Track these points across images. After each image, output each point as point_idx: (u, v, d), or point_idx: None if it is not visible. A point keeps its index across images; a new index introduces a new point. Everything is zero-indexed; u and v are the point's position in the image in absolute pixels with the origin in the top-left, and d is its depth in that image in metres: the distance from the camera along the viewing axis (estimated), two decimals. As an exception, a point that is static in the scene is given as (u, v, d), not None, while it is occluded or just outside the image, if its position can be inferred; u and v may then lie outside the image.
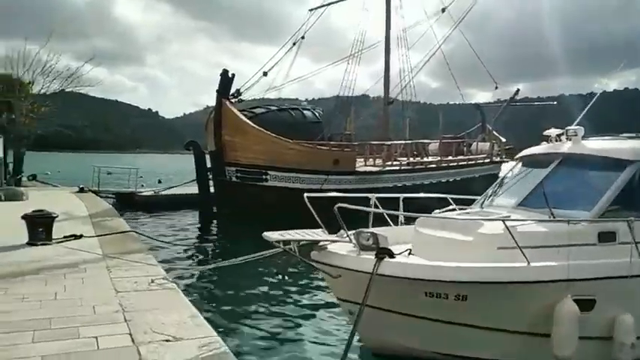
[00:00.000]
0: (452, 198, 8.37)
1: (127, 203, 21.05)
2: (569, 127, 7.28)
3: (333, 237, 6.01)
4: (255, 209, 16.58)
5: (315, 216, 6.62)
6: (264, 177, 18.32)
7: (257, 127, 18.22)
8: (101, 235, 10.04)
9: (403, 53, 25.75)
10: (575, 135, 7.05)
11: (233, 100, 19.06)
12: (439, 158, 24.38)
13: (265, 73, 20.67)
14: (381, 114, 27.88)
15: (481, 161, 26.94)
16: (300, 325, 7.52)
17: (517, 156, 8.07)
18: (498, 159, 29.04)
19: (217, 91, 18.31)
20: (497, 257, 5.53)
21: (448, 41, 30.14)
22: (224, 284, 9.46)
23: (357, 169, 19.89)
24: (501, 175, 8.13)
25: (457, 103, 28.30)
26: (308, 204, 6.43)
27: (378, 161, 22.78)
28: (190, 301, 6.11)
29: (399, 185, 21.19)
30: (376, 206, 7.37)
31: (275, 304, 8.51)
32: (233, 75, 18.73)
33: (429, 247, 5.92)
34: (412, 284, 5.22)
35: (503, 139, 30.07)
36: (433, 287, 5.24)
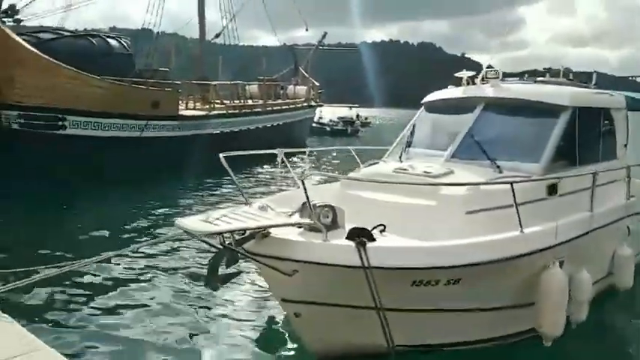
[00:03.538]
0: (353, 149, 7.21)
1: None
2: (488, 68, 6.63)
3: (285, 218, 4.18)
4: (50, 166, 12.76)
5: (237, 184, 4.73)
6: (60, 123, 14.26)
7: (46, 57, 13.88)
8: None
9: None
10: (497, 77, 6.44)
11: (6, 21, 14.13)
12: (262, 101, 22.98)
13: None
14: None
15: (300, 105, 26.59)
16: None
17: (423, 101, 7.18)
18: (314, 103, 29.24)
19: (-21, 5, 13.30)
20: (469, 225, 4.57)
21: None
22: (78, 297, 6.18)
23: (180, 113, 17.19)
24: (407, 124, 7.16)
25: (241, 44, 26.04)
26: (226, 166, 4.57)
27: (198, 104, 20.28)
28: (44, 340, 3.62)
29: (226, 131, 19.28)
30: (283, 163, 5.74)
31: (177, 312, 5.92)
32: (3, -16, 13.80)
33: (381, 216, 4.59)
34: (399, 274, 3.89)
35: (317, 83, 30.23)
36: (424, 274, 4.00)
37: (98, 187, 12.12)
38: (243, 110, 20.79)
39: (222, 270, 3.93)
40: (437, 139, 6.48)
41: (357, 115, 41.87)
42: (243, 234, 3.82)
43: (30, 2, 15.11)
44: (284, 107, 24.35)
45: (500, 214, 4.65)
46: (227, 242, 3.83)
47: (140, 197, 11.91)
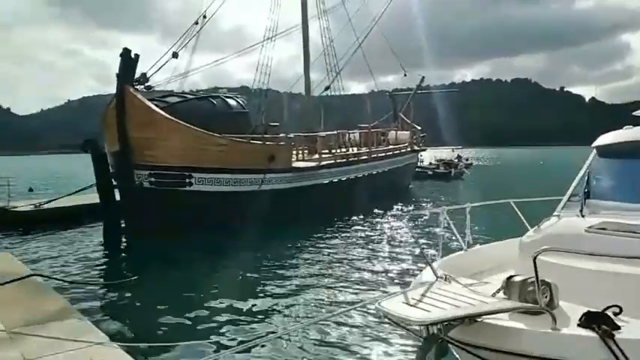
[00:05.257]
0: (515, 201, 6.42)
1: (-4, 223, 16.12)
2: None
3: (504, 302, 3.57)
4: (178, 221, 13.35)
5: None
6: (187, 180, 14.99)
7: (175, 119, 14.82)
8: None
9: (326, 35, 23.67)
10: None
11: (139, 88, 15.37)
12: (366, 149, 22.82)
13: (175, 54, 17.07)
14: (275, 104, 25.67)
15: (404, 150, 26.11)
16: None
17: (595, 144, 6.32)
18: (416, 147, 28.61)
19: (117, 75, 14.57)
20: None
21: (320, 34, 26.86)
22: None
23: (294, 166, 17.43)
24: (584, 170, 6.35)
25: (337, 94, 25.76)
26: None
27: (306, 154, 20.54)
28: None
29: (335, 181, 19.21)
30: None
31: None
32: (137, 56, 15.07)
33: (591, 289, 3.80)
34: None
35: (419, 127, 29.67)
36: None
37: (229, 243, 12.35)
38: (350, 159, 20.69)
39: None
40: (622, 188, 5.57)
41: (459, 157, 40.35)
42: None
43: (158, 70, 16.29)
44: (388, 154, 24.00)
45: None
46: (432, 330, 3.29)
47: (266, 250, 11.90)
